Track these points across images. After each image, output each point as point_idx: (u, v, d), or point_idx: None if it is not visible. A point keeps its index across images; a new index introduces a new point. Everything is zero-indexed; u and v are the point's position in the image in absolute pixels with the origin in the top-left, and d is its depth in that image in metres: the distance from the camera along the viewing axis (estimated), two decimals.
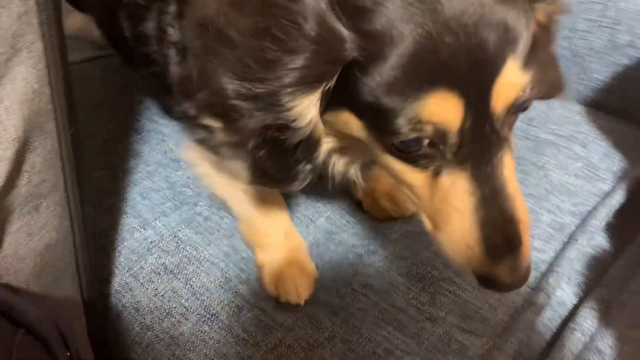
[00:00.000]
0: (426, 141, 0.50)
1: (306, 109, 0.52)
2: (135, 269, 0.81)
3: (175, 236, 0.84)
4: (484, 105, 0.48)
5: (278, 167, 0.56)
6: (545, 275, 0.79)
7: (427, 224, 0.57)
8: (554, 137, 1.03)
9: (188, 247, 0.83)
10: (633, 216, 0.91)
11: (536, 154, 0.99)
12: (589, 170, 0.97)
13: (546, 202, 0.90)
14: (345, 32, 0.47)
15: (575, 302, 0.79)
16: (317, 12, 0.47)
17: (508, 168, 0.53)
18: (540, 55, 0.54)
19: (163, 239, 0.84)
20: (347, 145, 0.63)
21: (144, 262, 0.82)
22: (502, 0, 0.47)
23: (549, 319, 0.76)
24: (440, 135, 0.49)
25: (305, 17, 0.47)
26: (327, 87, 0.51)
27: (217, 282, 0.79)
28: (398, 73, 0.46)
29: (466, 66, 0.46)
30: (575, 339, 0.72)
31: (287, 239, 0.81)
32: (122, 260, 0.82)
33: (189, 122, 0.74)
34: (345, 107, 0.53)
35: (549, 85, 0.63)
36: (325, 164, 0.65)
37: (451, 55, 0.45)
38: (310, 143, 0.55)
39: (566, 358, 0.70)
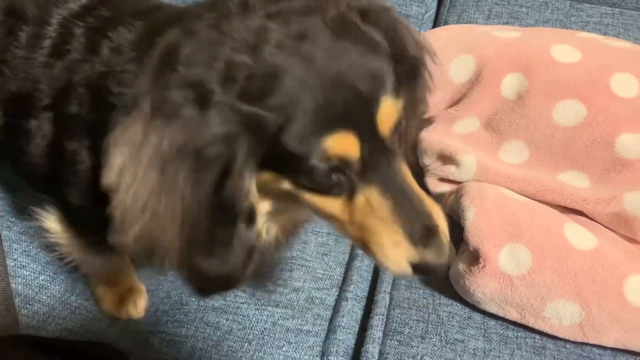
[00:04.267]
0: (335, 170, 0.60)
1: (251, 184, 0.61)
2: None
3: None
4: (373, 134, 0.60)
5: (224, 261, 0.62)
6: None
7: (357, 245, 0.66)
8: None
9: None
10: None
11: None
12: None
13: None
14: (259, 111, 0.58)
15: None
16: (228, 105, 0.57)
17: (407, 173, 0.64)
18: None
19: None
20: (272, 202, 0.70)
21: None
22: (366, 54, 0.60)
23: (368, 264, 1.09)
24: (345, 164, 0.60)
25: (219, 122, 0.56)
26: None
27: None
28: (305, 127, 0.58)
29: (352, 109, 0.59)
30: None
31: (125, 276, 0.99)
32: None
33: None
34: (267, 167, 0.62)
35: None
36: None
37: (339, 103, 0.58)
38: (251, 215, 0.63)
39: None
